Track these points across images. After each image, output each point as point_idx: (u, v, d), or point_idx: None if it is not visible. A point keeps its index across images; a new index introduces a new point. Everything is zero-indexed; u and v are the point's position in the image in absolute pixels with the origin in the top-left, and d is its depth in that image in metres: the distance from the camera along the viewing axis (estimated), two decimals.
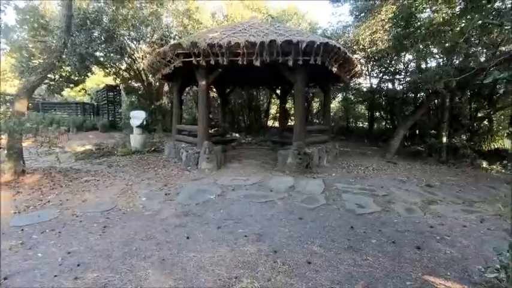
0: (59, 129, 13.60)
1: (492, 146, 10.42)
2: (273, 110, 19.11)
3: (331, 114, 19.61)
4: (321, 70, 7.23)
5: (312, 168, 7.17)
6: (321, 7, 42.90)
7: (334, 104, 18.69)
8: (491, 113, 10.23)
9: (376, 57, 11.35)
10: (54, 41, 9.43)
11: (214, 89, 12.88)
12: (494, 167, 8.65)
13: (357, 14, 11.04)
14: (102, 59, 13.89)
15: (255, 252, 3.25)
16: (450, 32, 7.13)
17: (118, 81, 16.05)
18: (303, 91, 7.50)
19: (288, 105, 15.56)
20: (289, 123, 14.97)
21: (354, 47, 10.33)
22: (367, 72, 13.90)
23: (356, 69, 8.34)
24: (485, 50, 8.64)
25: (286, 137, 9.53)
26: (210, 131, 8.67)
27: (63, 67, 15.46)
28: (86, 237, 3.62)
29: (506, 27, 6.16)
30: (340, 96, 17.04)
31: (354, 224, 4.14)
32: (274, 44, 6.24)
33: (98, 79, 21.37)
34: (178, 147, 8.36)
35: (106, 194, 5.29)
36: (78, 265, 2.98)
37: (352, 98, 15.94)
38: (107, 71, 15.08)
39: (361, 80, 14.45)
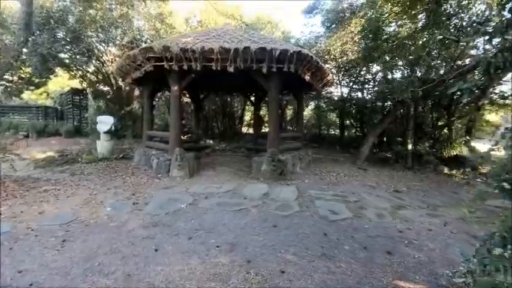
0: (17, 134, 12.62)
1: (452, 153, 11.12)
2: (248, 116, 19.12)
3: (304, 121, 20.04)
4: (294, 78, 7.33)
5: (286, 175, 7.18)
6: (294, 17, 44.11)
7: (307, 112, 19.08)
8: (451, 121, 10.95)
9: (347, 67, 11.77)
10: (12, 39, 8.77)
11: (187, 95, 12.63)
12: (454, 172, 9.21)
13: (328, 25, 11.43)
14: (67, 60, 13.15)
15: (227, 264, 3.14)
16: (414, 46, 7.58)
17: (85, 84, 15.25)
18: (277, 98, 7.55)
19: (262, 112, 15.64)
20: (263, 130, 15.02)
21: (326, 57, 10.65)
22: (338, 82, 14.37)
23: (328, 77, 8.57)
24: (444, 63, 9.27)
25: (260, 144, 9.51)
26: (182, 138, 8.45)
27: (23, 68, 14.42)
28: (41, 253, 3.30)
29: (461, 43, 6.61)
30: (312, 104, 17.44)
31: (327, 230, 4.16)
32: (249, 51, 6.24)
33: (62, 82, 20.18)
34: (148, 154, 8.04)
35: (67, 204, 4.91)
36: (31, 285, 2.69)
37: (324, 106, 16.37)
38: (73, 73, 14.29)
39: (332, 88, 14.89)
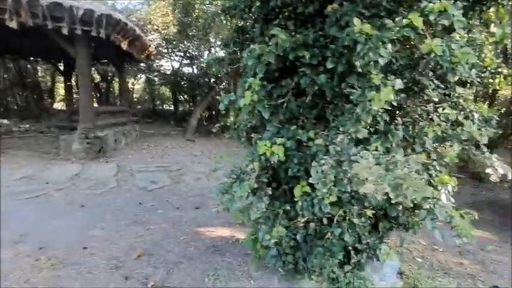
0: None
1: None
2: (62, 89, 15.77)
3: (137, 96, 18.70)
4: (110, 45, 6.63)
5: (107, 152, 6.62)
6: None
7: (140, 86, 17.88)
8: None
9: (174, 41, 11.70)
10: None
11: None
12: None
13: None
14: None
15: (9, 258, 2.66)
16: (226, 25, 8.38)
17: None
18: (88, 66, 6.62)
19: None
20: None
21: (148, 27, 10.11)
22: (168, 55, 14.10)
23: (150, 49, 8.28)
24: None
25: (76, 121, 8.18)
26: None
27: None
28: None
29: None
30: (144, 78, 16.45)
31: (144, 199, 4.25)
32: (38, 4, 5.05)
33: None
34: None
35: None
36: None
37: (156, 80, 15.81)
38: None
39: (163, 62, 14.52)
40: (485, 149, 1.82)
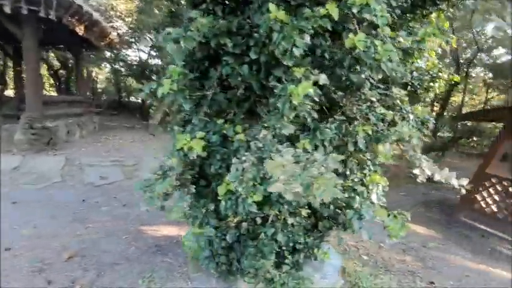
0: None
1: None
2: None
3: (102, 86, 17.72)
4: (64, 29, 6.13)
5: (57, 144, 6.14)
6: None
7: (104, 76, 16.96)
8: None
9: (140, 30, 11.14)
10: None
11: None
12: None
13: None
14: None
15: None
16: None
17: None
18: (36, 49, 6.08)
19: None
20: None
21: (111, 13, 9.51)
22: (136, 45, 13.43)
23: (111, 36, 7.80)
24: None
25: (24, 109, 7.54)
26: None
27: None
28: None
29: None
30: (109, 67, 15.58)
31: (90, 196, 3.98)
32: None
33: None
34: None
35: None
36: None
37: (123, 71, 15.02)
38: None
39: (130, 52, 13.82)
40: (418, 150, 1.84)
